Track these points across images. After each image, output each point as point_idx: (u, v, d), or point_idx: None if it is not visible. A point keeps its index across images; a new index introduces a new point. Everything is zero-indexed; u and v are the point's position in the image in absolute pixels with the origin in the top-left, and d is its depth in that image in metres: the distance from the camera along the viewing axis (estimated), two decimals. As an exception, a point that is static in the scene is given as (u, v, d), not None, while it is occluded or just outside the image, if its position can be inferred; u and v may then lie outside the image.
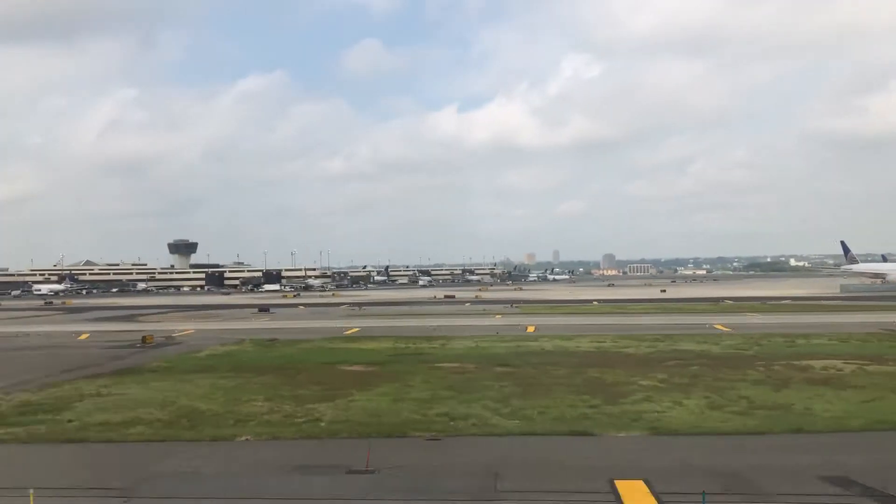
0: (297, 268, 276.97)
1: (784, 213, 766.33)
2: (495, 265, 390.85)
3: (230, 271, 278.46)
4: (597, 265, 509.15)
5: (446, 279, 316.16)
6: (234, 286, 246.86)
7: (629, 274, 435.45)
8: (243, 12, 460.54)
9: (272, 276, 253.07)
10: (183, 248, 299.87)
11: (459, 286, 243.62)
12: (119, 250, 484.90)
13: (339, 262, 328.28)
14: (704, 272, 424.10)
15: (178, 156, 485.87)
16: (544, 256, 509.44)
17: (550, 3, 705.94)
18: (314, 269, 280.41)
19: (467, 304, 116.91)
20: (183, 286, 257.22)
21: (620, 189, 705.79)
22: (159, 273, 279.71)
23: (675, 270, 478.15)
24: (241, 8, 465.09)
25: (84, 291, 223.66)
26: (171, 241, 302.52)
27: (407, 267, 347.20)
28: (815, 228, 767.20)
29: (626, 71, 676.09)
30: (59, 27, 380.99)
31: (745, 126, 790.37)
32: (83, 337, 65.14)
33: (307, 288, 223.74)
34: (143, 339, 56.56)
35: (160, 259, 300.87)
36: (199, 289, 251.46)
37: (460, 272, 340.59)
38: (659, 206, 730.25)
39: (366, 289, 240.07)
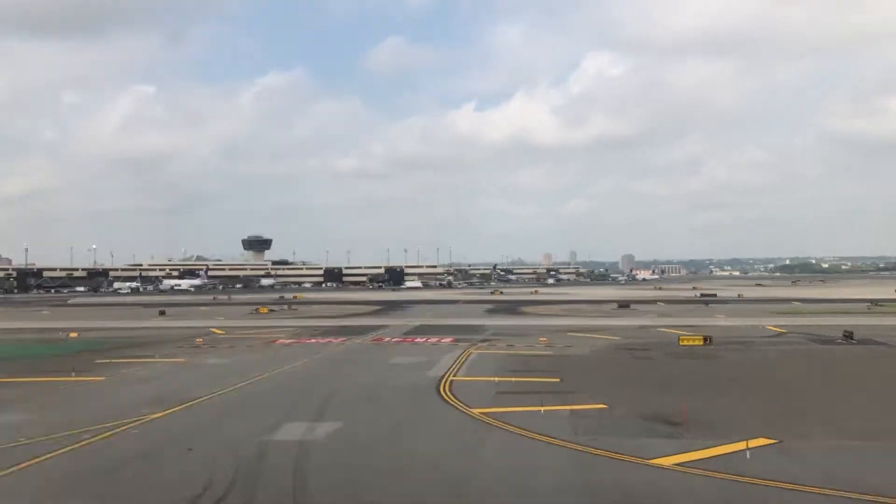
0: (417, 264, 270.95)
1: (800, 213, 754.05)
2: (577, 265, 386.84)
3: (346, 269, 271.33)
4: (614, 266, 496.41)
5: (530, 278, 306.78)
6: (357, 283, 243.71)
7: (668, 275, 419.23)
8: (267, 9, 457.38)
9: (396, 273, 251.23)
10: (257, 244, 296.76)
11: (552, 286, 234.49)
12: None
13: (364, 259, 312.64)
14: (738, 273, 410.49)
15: (201, 152, 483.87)
16: (561, 257, 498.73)
17: (574, 1, 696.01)
18: (434, 266, 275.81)
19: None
20: (304, 282, 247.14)
21: (635, 188, 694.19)
22: (272, 269, 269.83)
23: (711, 271, 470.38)
24: (266, 5, 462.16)
25: (221, 287, 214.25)
26: (245, 237, 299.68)
27: (471, 265, 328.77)
28: (831, 229, 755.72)
29: (649, 70, 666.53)
30: (88, 22, 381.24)
31: (767, 126, 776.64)
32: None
33: (451, 285, 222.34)
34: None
35: (216, 253, 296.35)
36: (323, 285, 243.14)
37: (544, 271, 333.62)
38: (674, 206, 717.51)
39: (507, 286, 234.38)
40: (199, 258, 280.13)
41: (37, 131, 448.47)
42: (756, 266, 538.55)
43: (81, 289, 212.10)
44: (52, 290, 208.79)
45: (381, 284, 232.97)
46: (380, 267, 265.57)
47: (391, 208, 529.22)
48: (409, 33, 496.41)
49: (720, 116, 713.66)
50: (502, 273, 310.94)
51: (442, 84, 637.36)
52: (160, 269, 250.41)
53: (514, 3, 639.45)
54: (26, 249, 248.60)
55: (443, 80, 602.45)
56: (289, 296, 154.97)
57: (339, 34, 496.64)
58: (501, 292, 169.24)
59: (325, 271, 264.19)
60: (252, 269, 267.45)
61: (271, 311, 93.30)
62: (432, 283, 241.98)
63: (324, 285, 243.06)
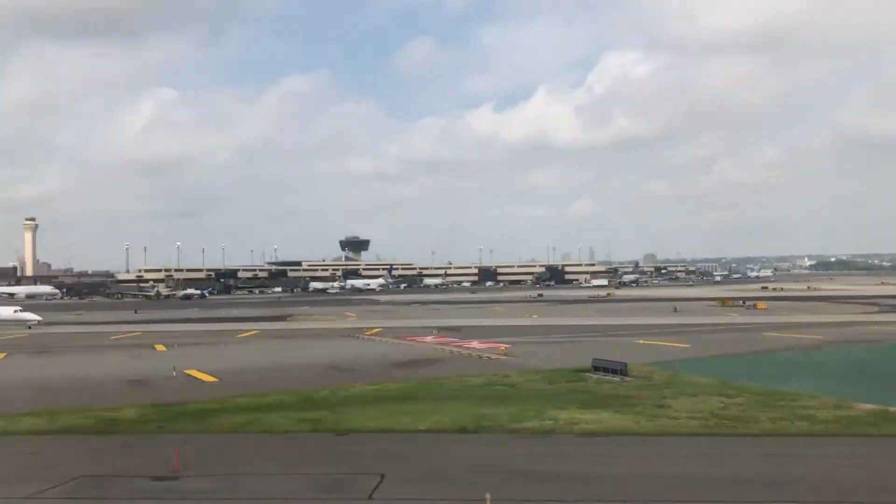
0: (576, 262, 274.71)
1: (821, 211, 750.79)
2: (689, 262, 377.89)
3: (500, 268, 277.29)
4: (634, 264, 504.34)
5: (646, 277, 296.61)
6: (515, 282, 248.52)
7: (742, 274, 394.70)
8: (297, 11, 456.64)
9: (557, 273, 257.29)
10: (355, 244, 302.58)
11: (653, 287, 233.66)
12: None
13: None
14: (771, 272, 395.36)
15: (227, 154, 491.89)
16: (580, 256, 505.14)
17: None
18: (592, 265, 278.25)
19: None
20: (462, 282, 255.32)
21: (651, 188, 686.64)
22: (436, 270, 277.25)
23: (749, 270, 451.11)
24: (296, 6, 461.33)
25: (402, 286, 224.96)
26: (343, 237, 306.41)
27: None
28: (847, 228, 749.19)
29: (678, 68, 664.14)
30: (124, 25, 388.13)
31: (791, 125, 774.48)
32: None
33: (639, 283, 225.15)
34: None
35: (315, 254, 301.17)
36: (485, 284, 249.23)
37: (655, 269, 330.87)
38: (692, 205, 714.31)
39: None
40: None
41: (87, 132, 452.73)
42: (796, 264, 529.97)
43: (278, 289, 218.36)
44: (254, 291, 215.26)
45: (548, 283, 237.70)
46: (534, 265, 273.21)
47: (404, 208, 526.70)
48: (438, 34, 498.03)
49: (746, 116, 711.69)
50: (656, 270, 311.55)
51: (470, 83, 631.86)
52: (322, 269, 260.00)
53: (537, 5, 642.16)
54: (223, 249, 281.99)
55: (475, 78, 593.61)
56: (533, 294, 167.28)
57: (367, 34, 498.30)
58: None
59: (479, 270, 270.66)
60: (420, 269, 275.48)
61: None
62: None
63: (486, 284, 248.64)
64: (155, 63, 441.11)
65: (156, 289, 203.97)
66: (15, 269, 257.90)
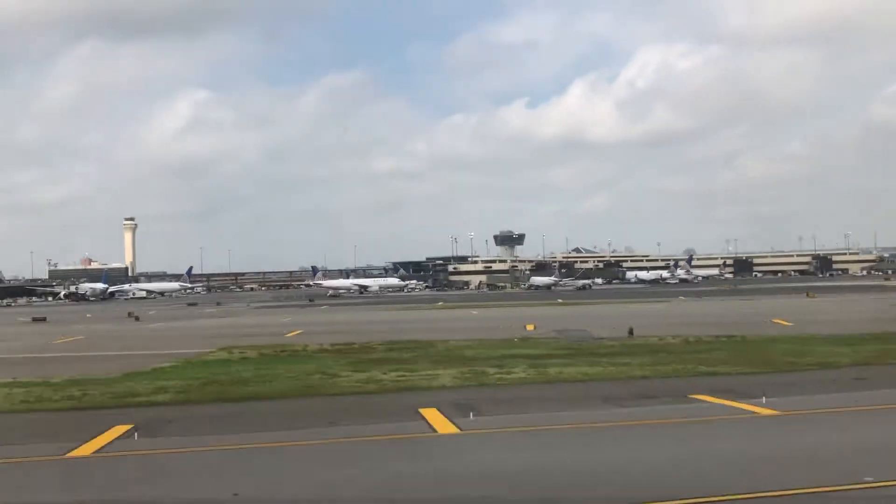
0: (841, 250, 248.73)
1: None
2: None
3: (756, 258, 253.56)
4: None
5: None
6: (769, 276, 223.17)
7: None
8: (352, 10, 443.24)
9: (828, 263, 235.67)
10: (509, 239, 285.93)
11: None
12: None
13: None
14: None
15: (258, 152, 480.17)
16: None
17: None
18: (856, 252, 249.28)
19: None
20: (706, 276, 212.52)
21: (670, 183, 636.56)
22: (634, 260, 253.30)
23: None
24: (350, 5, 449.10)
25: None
26: (497, 232, 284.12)
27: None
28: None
29: (722, 62, 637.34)
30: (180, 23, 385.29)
31: (835, 119, 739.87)
32: None
33: None
34: None
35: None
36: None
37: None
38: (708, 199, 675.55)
39: None
40: (576, 250, 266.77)
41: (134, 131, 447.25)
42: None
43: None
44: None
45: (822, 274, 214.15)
46: (791, 255, 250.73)
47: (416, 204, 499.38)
48: (484, 27, 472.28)
49: (784, 109, 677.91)
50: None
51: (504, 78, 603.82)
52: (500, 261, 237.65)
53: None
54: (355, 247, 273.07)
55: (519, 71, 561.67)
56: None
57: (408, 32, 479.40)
58: None
59: (735, 262, 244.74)
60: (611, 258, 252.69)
61: None
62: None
63: (751, 276, 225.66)
64: (207, 62, 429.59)
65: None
66: (126, 269, 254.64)
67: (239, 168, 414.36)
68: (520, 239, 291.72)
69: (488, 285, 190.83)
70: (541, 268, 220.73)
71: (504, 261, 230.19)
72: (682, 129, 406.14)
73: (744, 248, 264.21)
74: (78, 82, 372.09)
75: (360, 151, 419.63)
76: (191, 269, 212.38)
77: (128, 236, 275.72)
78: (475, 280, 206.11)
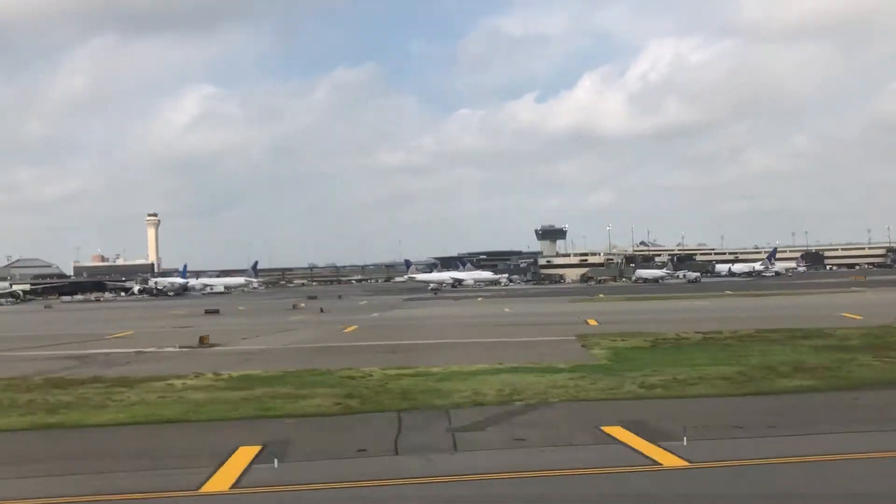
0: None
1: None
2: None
3: (827, 251, 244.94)
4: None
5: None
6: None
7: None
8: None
9: None
10: (552, 233, 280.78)
11: None
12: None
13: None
14: None
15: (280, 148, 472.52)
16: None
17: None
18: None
19: None
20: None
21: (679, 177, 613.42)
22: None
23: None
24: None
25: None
26: (539, 227, 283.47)
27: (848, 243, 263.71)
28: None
29: (736, 56, 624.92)
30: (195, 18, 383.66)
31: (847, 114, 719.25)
32: None
33: None
34: None
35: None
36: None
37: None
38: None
39: None
40: (642, 243, 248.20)
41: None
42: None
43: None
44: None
45: None
46: (862, 247, 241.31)
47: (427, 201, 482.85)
48: (495, 21, 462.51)
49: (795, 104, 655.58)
50: None
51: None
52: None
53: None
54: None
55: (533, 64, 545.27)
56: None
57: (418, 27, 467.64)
58: None
59: (805, 255, 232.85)
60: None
61: None
62: None
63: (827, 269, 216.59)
64: (220, 57, 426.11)
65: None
66: (152, 265, 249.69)
67: (250, 162, 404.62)
68: (562, 233, 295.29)
69: (590, 278, 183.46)
70: (629, 261, 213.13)
71: (597, 254, 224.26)
72: (721, 121, 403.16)
73: (797, 242, 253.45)
74: (87, 77, 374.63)
75: (371, 146, 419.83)
76: (256, 263, 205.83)
77: (151, 232, 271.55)
78: (570, 273, 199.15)
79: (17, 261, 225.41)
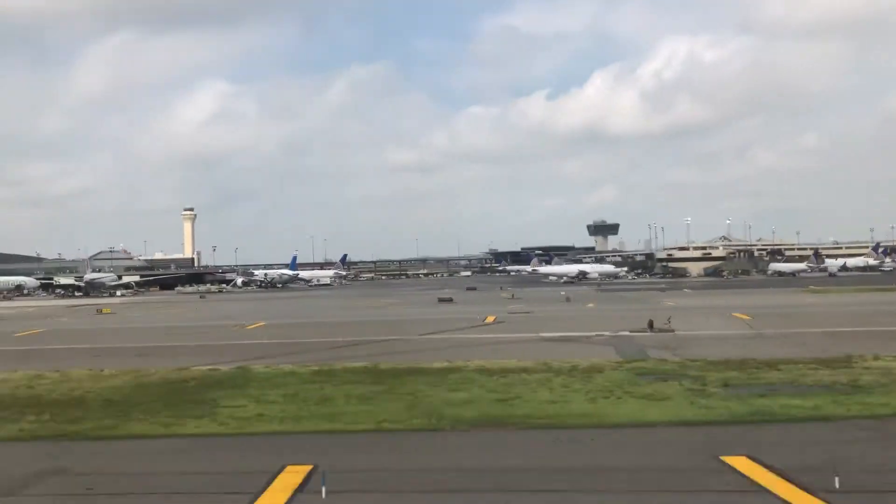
0: None
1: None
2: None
3: None
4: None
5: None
6: None
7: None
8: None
9: None
10: (604, 228, 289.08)
11: None
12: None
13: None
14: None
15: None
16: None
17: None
18: None
19: None
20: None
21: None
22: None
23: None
24: None
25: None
26: (591, 222, 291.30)
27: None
28: None
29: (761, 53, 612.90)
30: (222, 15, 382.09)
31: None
32: None
33: None
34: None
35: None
36: None
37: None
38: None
39: None
40: (723, 238, 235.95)
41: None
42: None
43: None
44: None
45: None
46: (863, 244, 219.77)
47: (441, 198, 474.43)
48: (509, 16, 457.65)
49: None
50: None
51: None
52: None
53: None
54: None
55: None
56: None
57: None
58: None
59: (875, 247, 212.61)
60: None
61: None
62: None
63: None
64: (243, 53, 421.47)
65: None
66: (192, 259, 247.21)
67: (262, 159, 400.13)
68: (614, 228, 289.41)
69: (721, 272, 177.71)
70: (748, 255, 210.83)
71: (716, 247, 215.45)
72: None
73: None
74: (106, 73, 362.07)
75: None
76: (345, 256, 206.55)
77: (187, 226, 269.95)
78: (692, 267, 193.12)
79: (99, 253, 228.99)
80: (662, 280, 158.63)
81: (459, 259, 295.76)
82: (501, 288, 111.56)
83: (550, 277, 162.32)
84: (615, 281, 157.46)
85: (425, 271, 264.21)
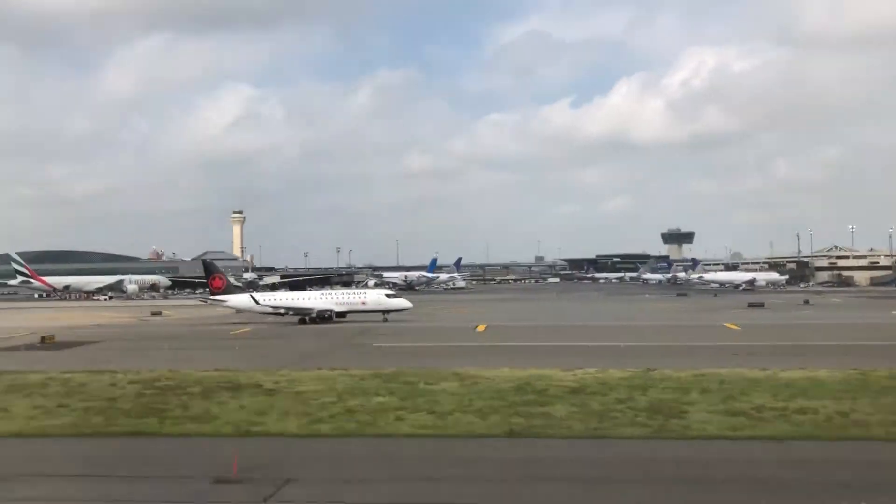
0: None
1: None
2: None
3: None
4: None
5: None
6: None
7: None
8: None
9: None
10: (678, 237, 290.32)
11: None
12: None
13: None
14: None
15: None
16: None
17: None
18: None
19: None
20: None
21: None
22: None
23: None
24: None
25: None
26: (665, 230, 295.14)
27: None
28: None
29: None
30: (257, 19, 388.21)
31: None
32: None
33: None
34: None
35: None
36: None
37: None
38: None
39: None
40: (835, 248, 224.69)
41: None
42: None
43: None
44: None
45: None
46: None
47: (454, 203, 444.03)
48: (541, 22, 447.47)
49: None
50: None
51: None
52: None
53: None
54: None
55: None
56: None
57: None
58: None
59: None
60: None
61: None
62: None
63: None
64: (274, 58, 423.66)
65: None
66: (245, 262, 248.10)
67: (284, 162, 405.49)
68: (689, 237, 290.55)
69: None
70: None
71: (878, 256, 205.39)
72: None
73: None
74: (137, 75, 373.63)
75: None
76: (459, 260, 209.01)
77: (236, 229, 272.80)
78: (861, 277, 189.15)
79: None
80: (841, 289, 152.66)
81: (530, 266, 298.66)
82: (681, 294, 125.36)
83: (712, 285, 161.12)
84: (800, 289, 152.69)
85: (513, 277, 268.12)
